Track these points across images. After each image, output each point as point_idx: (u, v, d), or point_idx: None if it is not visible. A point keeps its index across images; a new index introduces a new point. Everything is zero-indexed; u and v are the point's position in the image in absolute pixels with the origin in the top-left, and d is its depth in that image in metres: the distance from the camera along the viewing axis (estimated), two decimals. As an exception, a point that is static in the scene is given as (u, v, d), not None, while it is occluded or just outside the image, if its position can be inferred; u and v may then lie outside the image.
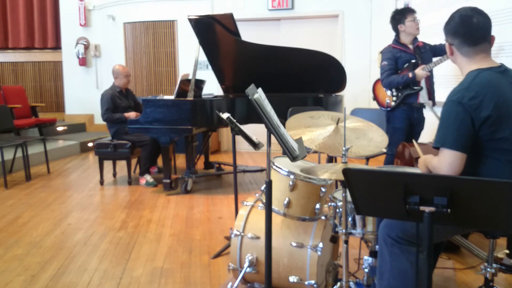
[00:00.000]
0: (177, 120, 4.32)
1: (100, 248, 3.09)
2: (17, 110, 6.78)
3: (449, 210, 1.29)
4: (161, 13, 7.36)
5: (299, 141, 1.90)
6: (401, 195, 1.35)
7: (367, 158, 3.94)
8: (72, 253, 3.00)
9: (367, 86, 5.80)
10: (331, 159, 3.73)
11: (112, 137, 4.98)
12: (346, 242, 1.94)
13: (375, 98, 3.98)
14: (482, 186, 1.27)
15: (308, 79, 4.70)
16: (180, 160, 6.15)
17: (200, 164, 5.66)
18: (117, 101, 4.95)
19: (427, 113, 3.71)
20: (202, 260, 2.86)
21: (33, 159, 5.67)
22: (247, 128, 2.62)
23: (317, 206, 2.18)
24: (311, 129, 2.13)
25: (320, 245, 2.14)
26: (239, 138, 2.67)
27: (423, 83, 3.56)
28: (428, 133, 3.86)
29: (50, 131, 7.41)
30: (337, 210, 2.07)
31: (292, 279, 2.17)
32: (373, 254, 2.07)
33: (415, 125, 3.67)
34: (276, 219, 2.23)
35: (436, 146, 1.72)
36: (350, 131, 2.08)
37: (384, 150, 3.66)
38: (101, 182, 4.95)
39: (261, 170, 5.15)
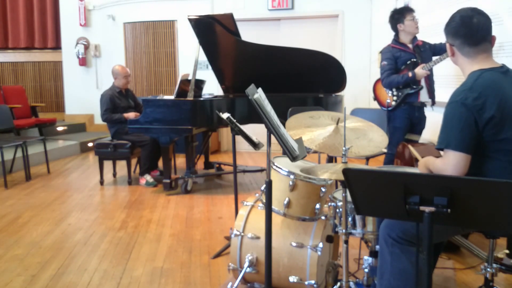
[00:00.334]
0: (177, 120, 4.32)
1: (100, 248, 3.09)
2: (17, 110, 6.78)
3: (449, 210, 1.29)
4: (161, 13, 7.36)
5: (299, 141, 1.90)
6: (401, 195, 1.34)
7: (367, 158, 3.95)
8: (72, 253, 3.00)
9: (367, 86, 5.81)
10: (331, 159, 3.73)
11: (112, 137, 4.98)
12: (346, 242, 1.94)
13: (376, 98, 3.98)
14: (482, 186, 1.27)
15: (308, 79, 4.70)
16: (180, 160, 6.15)
17: (200, 164, 5.66)
18: (116, 102, 4.95)
19: (428, 112, 3.71)
20: (202, 260, 2.86)
21: (33, 159, 5.67)
22: (247, 128, 2.62)
23: (317, 206, 2.18)
24: (311, 129, 2.13)
25: (320, 245, 2.14)
26: (239, 138, 2.67)
27: (423, 82, 3.56)
28: (429, 133, 3.87)
29: (50, 131, 7.41)
30: (337, 210, 2.07)
31: (292, 279, 2.17)
32: (373, 254, 2.07)
33: (416, 124, 3.67)
34: (276, 219, 2.23)
35: (440, 148, 1.71)
36: (350, 131, 2.08)
37: (384, 150, 3.66)
38: (101, 182, 4.95)
39: (261, 170, 5.15)
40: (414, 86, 3.53)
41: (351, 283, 1.97)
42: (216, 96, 5.10)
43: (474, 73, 1.74)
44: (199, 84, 4.80)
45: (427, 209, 1.31)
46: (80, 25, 8.12)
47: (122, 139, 4.88)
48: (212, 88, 5.96)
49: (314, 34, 6.88)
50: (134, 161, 5.39)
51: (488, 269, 1.91)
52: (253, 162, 6.22)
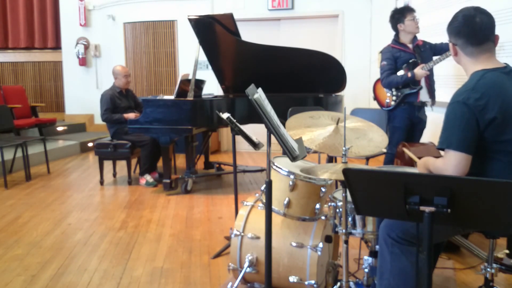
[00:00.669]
0: (177, 120, 4.32)
1: (100, 248, 3.09)
2: (17, 110, 6.78)
3: (449, 210, 1.29)
4: (161, 13, 7.36)
5: (299, 141, 1.90)
6: (401, 195, 1.34)
7: (367, 158, 3.94)
8: (72, 253, 3.00)
9: (367, 86, 5.81)
10: (331, 159, 3.73)
11: (112, 137, 4.98)
12: (346, 242, 1.94)
13: (376, 98, 3.98)
14: (482, 186, 1.27)
15: (308, 79, 4.70)
16: (180, 160, 6.15)
17: (200, 164, 5.66)
18: (116, 102, 4.95)
19: (428, 112, 3.71)
20: (202, 260, 2.86)
21: (33, 159, 5.67)
22: (247, 128, 2.62)
23: (317, 206, 2.18)
24: (311, 129, 2.13)
25: (320, 245, 2.14)
26: (239, 138, 2.66)
27: (422, 82, 3.56)
28: (429, 133, 3.86)
29: (50, 131, 7.41)
30: (337, 210, 2.06)
31: (292, 279, 2.17)
32: (373, 254, 2.07)
33: (417, 124, 3.67)
34: (276, 219, 2.23)
35: (441, 148, 1.71)
36: (350, 131, 2.08)
37: (384, 150, 3.66)
38: (101, 182, 4.95)
39: (261, 170, 5.15)
40: (414, 86, 3.53)
41: (351, 283, 1.97)
42: (216, 96, 5.11)
43: (477, 73, 1.73)
44: (199, 84, 4.80)
45: (427, 209, 1.31)
46: (80, 25, 8.12)
47: (121, 139, 4.88)
48: (212, 88, 5.96)
49: (314, 34, 6.88)
50: (134, 161, 5.39)
51: (488, 269, 1.91)
52: (253, 162, 6.22)
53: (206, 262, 2.82)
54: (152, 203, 4.21)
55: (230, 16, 4.37)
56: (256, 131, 3.08)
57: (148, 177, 4.87)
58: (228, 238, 3.08)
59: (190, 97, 4.38)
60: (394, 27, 3.64)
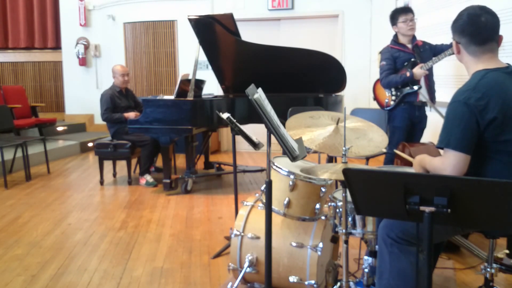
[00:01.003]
0: (177, 120, 4.32)
1: (100, 248, 3.09)
2: (17, 110, 6.78)
3: (449, 210, 1.29)
4: (161, 13, 7.36)
5: (299, 141, 1.90)
6: (401, 195, 1.34)
7: (367, 158, 3.94)
8: (72, 253, 3.00)
9: (367, 86, 5.80)
10: (331, 159, 3.73)
11: (112, 137, 4.98)
12: (346, 242, 1.94)
13: (375, 98, 3.98)
14: (482, 186, 1.27)
15: (308, 79, 4.70)
16: (180, 160, 6.15)
17: (200, 164, 5.66)
18: (116, 101, 4.95)
19: (428, 111, 3.71)
20: (202, 260, 2.86)
21: (33, 159, 5.67)
22: (247, 128, 2.62)
23: (317, 206, 2.18)
24: (311, 129, 2.13)
25: (320, 245, 2.14)
26: (239, 138, 2.67)
27: (422, 82, 3.56)
28: (430, 132, 3.86)
29: (50, 131, 7.41)
30: (337, 210, 2.07)
31: (292, 279, 2.17)
32: (372, 254, 2.07)
33: (417, 123, 3.67)
34: (276, 219, 2.23)
35: (440, 146, 1.71)
36: (350, 131, 2.08)
37: (384, 150, 3.66)
38: (101, 182, 4.95)
39: (261, 170, 5.15)
40: (413, 86, 3.53)
41: (351, 283, 1.97)
42: (216, 96, 5.11)
43: (478, 73, 1.73)
44: (199, 84, 4.80)
45: (427, 209, 1.31)
46: (80, 25, 8.12)
47: (122, 139, 4.88)
48: (212, 88, 5.96)
49: (314, 34, 6.88)
50: (134, 161, 5.39)
51: (488, 269, 1.91)
52: (253, 162, 6.22)
53: (206, 262, 2.82)
54: (152, 203, 4.21)
55: (230, 16, 4.37)
56: (256, 131, 3.08)
57: (148, 177, 4.87)
58: (228, 238, 3.08)
59: (190, 97, 4.38)
60: (393, 28, 3.67)
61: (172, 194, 4.49)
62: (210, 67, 4.88)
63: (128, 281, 2.57)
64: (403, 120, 3.62)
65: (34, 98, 8.91)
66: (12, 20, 8.94)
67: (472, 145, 1.66)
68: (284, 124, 1.87)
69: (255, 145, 2.37)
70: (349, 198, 1.91)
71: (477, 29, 1.73)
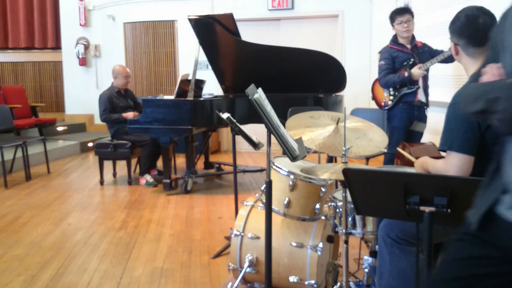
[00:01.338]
0: (177, 120, 4.32)
1: (100, 248, 3.09)
2: (17, 110, 6.78)
3: (449, 210, 1.29)
4: (161, 13, 7.36)
5: (299, 141, 1.90)
6: (401, 195, 1.34)
7: (367, 158, 3.94)
8: (72, 253, 3.00)
9: (367, 86, 5.79)
10: (331, 159, 3.73)
11: (112, 137, 4.98)
12: (346, 242, 1.94)
13: (374, 97, 3.99)
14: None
15: (308, 79, 4.70)
16: (180, 160, 6.15)
17: (200, 164, 5.66)
18: (115, 102, 4.95)
19: (428, 112, 3.71)
20: (202, 260, 2.86)
21: (33, 159, 5.67)
22: (247, 128, 2.62)
23: (317, 206, 2.18)
24: (311, 129, 2.13)
25: (320, 245, 2.14)
26: (239, 138, 2.66)
27: (420, 83, 3.57)
28: (429, 132, 3.86)
29: (50, 131, 7.41)
30: (337, 210, 2.06)
31: (292, 279, 2.17)
32: (373, 254, 2.07)
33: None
34: (276, 219, 2.23)
35: (443, 149, 1.71)
36: (350, 131, 2.08)
37: (384, 150, 3.66)
38: (101, 182, 4.95)
39: (261, 170, 5.15)
40: (411, 86, 3.54)
41: (351, 283, 1.97)
42: (216, 96, 5.11)
43: (477, 74, 1.73)
44: (199, 84, 4.80)
45: (427, 209, 1.31)
46: (80, 25, 8.12)
47: (122, 139, 4.88)
48: (212, 88, 5.96)
49: (314, 34, 6.88)
50: (134, 161, 5.39)
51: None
52: (253, 162, 6.22)
53: (206, 262, 2.82)
54: (152, 203, 4.21)
55: (230, 16, 4.37)
56: (256, 131, 3.08)
57: (148, 177, 4.87)
58: (228, 238, 3.08)
59: (190, 97, 4.38)
60: (392, 28, 3.68)
61: (172, 194, 4.49)
62: (210, 67, 4.88)
63: (128, 281, 2.57)
64: (402, 120, 3.63)
65: (34, 98, 8.91)
66: (12, 20, 8.94)
67: (475, 146, 1.66)
68: (284, 124, 1.87)
69: (255, 145, 2.37)
70: (349, 198, 1.91)
71: (475, 31, 1.73)
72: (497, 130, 0.98)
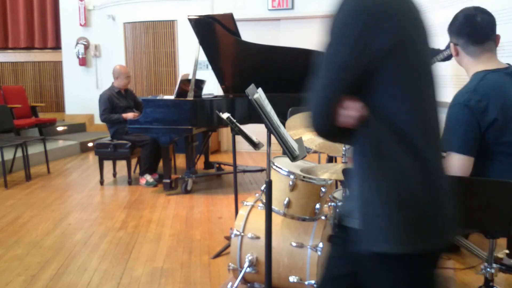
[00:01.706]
0: (177, 120, 4.32)
1: (100, 248, 3.09)
2: (17, 110, 6.78)
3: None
4: (161, 13, 7.36)
5: (299, 141, 1.90)
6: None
7: (367, 158, 3.94)
8: (72, 253, 3.00)
9: (367, 86, 5.80)
10: (331, 159, 3.73)
11: (112, 137, 4.98)
12: (346, 242, 1.93)
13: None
14: (482, 186, 1.27)
15: (308, 79, 4.69)
16: (180, 160, 6.15)
17: (200, 164, 5.66)
18: (115, 102, 4.94)
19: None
20: (202, 260, 2.86)
21: (33, 159, 5.67)
22: (247, 128, 2.62)
23: (317, 206, 2.18)
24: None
25: (320, 245, 2.14)
26: (239, 138, 2.67)
27: None
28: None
29: (50, 131, 7.41)
30: (337, 210, 2.06)
31: (292, 279, 2.17)
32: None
33: None
34: (276, 219, 2.23)
35: (443, 149, 1.71)
36: (350, 131, 2.08)
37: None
38: (101, 182, 4.95)
39: (261, 170, 5.15)
40: None
41: (351, 283, 1.97)
42: (216, 96, 5.11)
43: (478, 74, 1.73)
44: (199, 84, 4.80)
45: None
46: (80, 25, 8.12)
47: (121, 139, 4.88)
48: (212, 88, 5.96)
49: (314, 34, 6.84)
50: (134, 161, 5.39)
51: (488, 269, 1.91)
52: (253, 162, 6.22)
53: (206, 262, 2.82)
54: (152, 203, 4.21)
55: (230, 16, 4.38)
56: (256, 131, 3.08)
57: (148, 177, 4.87)
58: (228, 238, 3.08)
59: (190, 97, 4.38)
60: None
61: (172, 194, 4.49)
62: (210, 67, 4.88)
63: (128, 281, 2.57)
64: None
65: (34, 98, 8.91)
66: (12, 20, 8.94)
67: (475, 147, 1.66)
68: (284, 124, 1.87)
69: (255, 145, 2.37)
70: (349, 198, 1.91)
71: (474, 29, 1.74)
72: None
